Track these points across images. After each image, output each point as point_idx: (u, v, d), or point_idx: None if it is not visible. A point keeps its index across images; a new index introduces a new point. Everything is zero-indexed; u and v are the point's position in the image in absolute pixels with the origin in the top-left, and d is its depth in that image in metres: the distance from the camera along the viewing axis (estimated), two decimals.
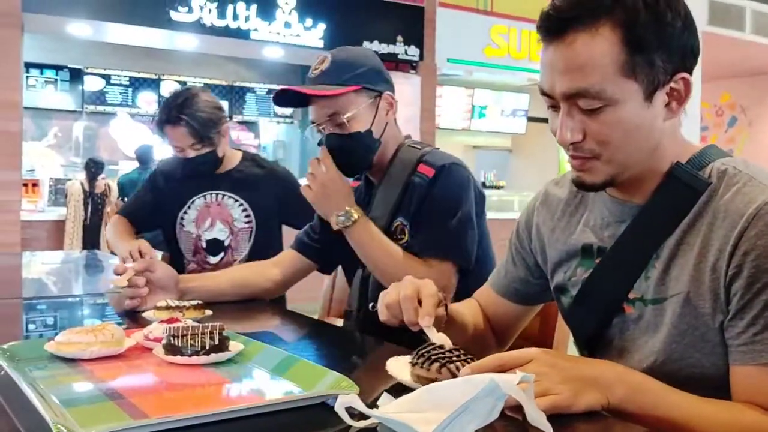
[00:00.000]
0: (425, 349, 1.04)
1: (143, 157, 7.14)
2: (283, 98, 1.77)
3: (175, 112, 2.40)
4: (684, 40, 1.04)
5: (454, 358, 1.01)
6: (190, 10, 6.68)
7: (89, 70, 8.34)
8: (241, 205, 2.51)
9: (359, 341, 1.50)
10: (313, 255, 1.97)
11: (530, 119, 11.02)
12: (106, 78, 8.47)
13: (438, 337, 1.09)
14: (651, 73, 1.02)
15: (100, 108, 8.50)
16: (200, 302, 1.59)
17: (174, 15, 6.60)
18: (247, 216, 2.51)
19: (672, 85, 1.04)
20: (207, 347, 1.13)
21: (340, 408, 0.84)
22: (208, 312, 1.57)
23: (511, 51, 8.94)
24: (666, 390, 0.98)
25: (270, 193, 2.52)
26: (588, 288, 1.18)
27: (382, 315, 1.19)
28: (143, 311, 1.62)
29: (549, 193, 1.32)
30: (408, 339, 1.23)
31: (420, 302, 1.15)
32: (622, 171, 1.08)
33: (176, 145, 2.45)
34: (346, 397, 0.84)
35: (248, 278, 1.95)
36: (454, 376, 0.97)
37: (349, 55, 1.76)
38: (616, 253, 1.14)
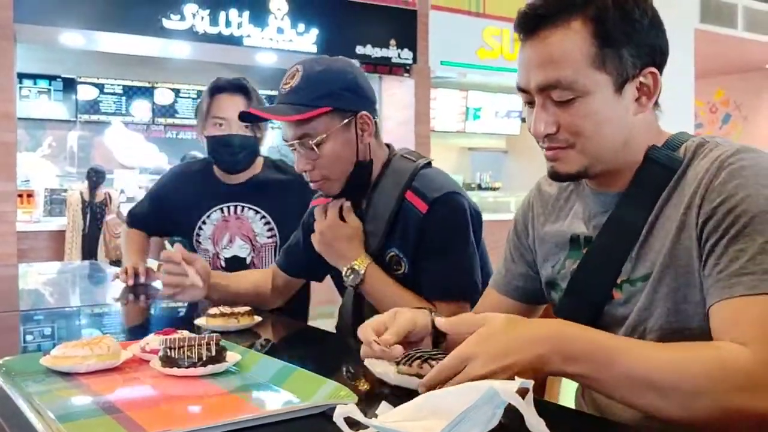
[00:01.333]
0: (413, 352, 1.08)
1: None
2: (249, 114, 1.69)
3: (236, 81, 2.26)
4: (651, 37, 1.10)
5: (435, 355, 1.05)
6: (183, 18, 6.67)
7: (82, 80, 8.31)
8: (263, 217, 2.30)
9: (357, 349, 1.49)
10: (297, 271, 1.92)
11: (524, 120, 10.99)
12: (100, 87, 8.45)
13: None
14: (620, 67, 1.07)
15: (94, 117, 8.46)
16: (250, 308, 1.58)
17: (166, 23, 6.60)
18: (270, 230, 2.30)
19: (641, 79, 1.10)
20: (204, 358, 1.13)
21: (338, 418, 0.83)
22: (258, 318, 1.57)
23: (504, 52, 8.95)
24: (609, 339, 0.98)
25: (294, 203, 2.19)
26: (577, 278, 1.19)
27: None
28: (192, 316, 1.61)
29: (542, 189, 1.35)
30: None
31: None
32: (595, 163, 1.12)
33: (225, 116, 2.22)
34: (345, 407, 0.83)
35: (261, 286, 1.93)
36: None
37: (323, 70, 1.60)
38: (602, 240, 1.16)
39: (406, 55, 7.99)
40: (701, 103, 11.53)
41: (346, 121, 1.60)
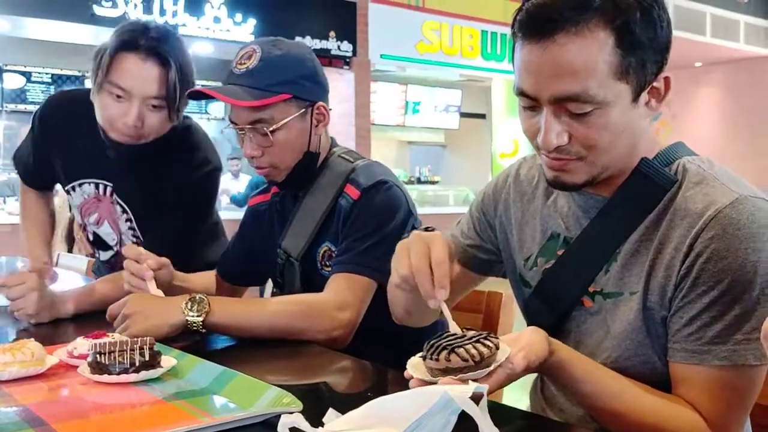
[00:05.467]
0: (434, 339, 0.95)
1: None
2: (199, 93, 1.57)
3: (157, 42, 1.64)
4: (668, 35, 1.02)
5: (465, 342, 0.92)
6: (115, 5, 6.48)
7: (9, 68, 8.04)
8: (128, 220, 1.89)
9: (302, 352, 1.44)
10: (235, 279, 1.83)
11: (463, 115, 11.13)
12: (27, 75, 8.17)
13: (452, 325, 1.00)
14: (642, 74, 1.00)
15: (21, 107, 8.19)
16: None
17: (97, 10, 6.40)
18: (135, 235, 1.90)
19: (654, 84, 1.03)
20: (137, 364, 1.06)
21: (283, 429, 0.78)
22: None
23: (443, 47, 9.00)
24: (590, 369, 1.02)
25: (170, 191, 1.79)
26: (548, 280, 1.16)
27: (397, 285, 1.07)
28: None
29: (521, 173, 1.28)
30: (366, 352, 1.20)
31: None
32: (603, 172, 1.06)
33: (126, 87, 1.63)
34: (290, 417, 0.79)
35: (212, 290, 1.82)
36: (465, 360, 0.90)
37: (282, 55, 1.53)
38: (580, 246, 1.12)
39: (346, 47, 7.95)
40: None
41: (303, 110, 1.56)
